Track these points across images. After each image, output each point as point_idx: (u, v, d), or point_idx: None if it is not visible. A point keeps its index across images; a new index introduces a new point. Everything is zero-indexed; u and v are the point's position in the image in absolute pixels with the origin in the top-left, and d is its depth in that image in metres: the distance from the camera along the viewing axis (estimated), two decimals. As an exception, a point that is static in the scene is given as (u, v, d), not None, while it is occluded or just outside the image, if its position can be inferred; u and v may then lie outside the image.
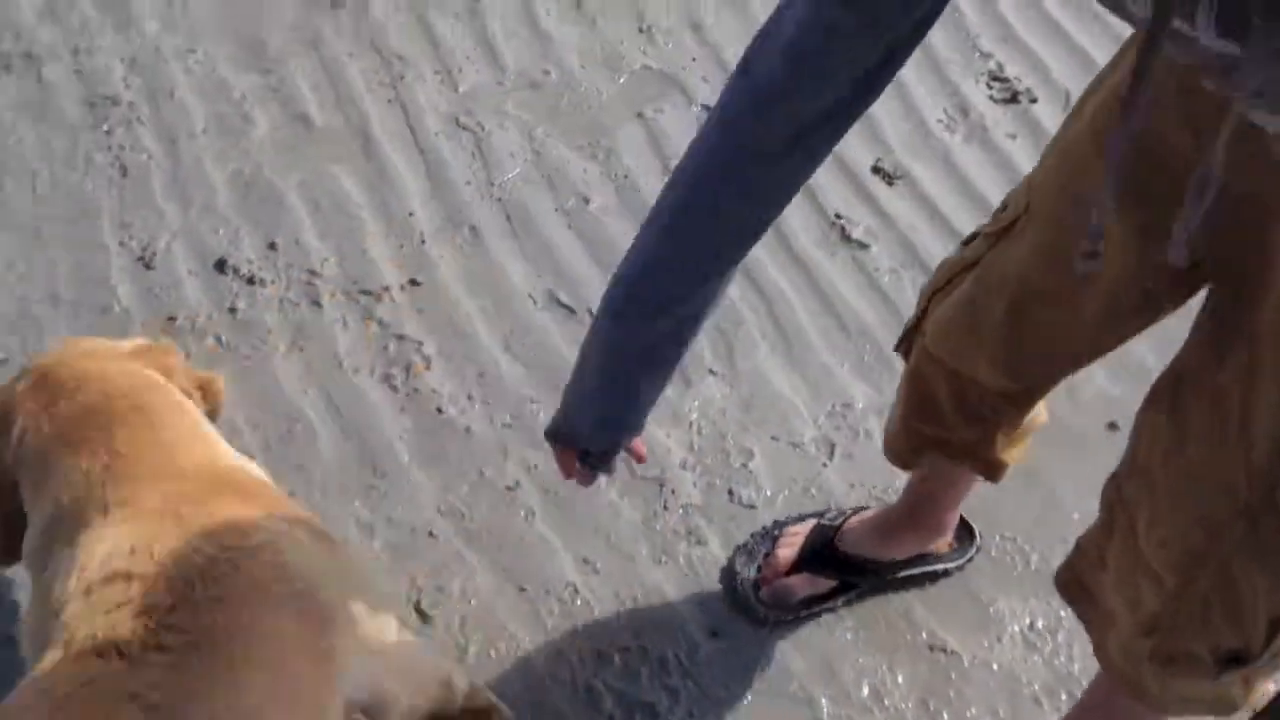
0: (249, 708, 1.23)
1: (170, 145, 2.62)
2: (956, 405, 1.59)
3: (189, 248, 2.45)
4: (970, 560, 2.07)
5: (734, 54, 2.67)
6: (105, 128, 2.64)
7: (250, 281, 2.40)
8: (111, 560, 1.31)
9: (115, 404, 1.53)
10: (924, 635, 2.02)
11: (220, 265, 2.42)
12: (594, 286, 2.40)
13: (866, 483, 2.18)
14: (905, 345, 1.68)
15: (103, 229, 2.47)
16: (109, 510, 1.39)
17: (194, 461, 1.50)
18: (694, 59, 2.84)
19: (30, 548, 1.50)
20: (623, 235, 2.46)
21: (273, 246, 2.47)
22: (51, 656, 1.25)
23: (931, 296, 1.57)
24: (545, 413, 2.18)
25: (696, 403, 2.28)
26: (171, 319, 2.33)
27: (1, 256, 2.43)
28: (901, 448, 1.77)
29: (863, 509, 2.06)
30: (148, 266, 2.41)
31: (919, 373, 1.62)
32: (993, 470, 1.71)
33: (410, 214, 2.57)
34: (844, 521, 2.02)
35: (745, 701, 1.94)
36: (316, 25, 2.93)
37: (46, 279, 2.40)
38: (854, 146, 2.66)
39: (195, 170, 2.58)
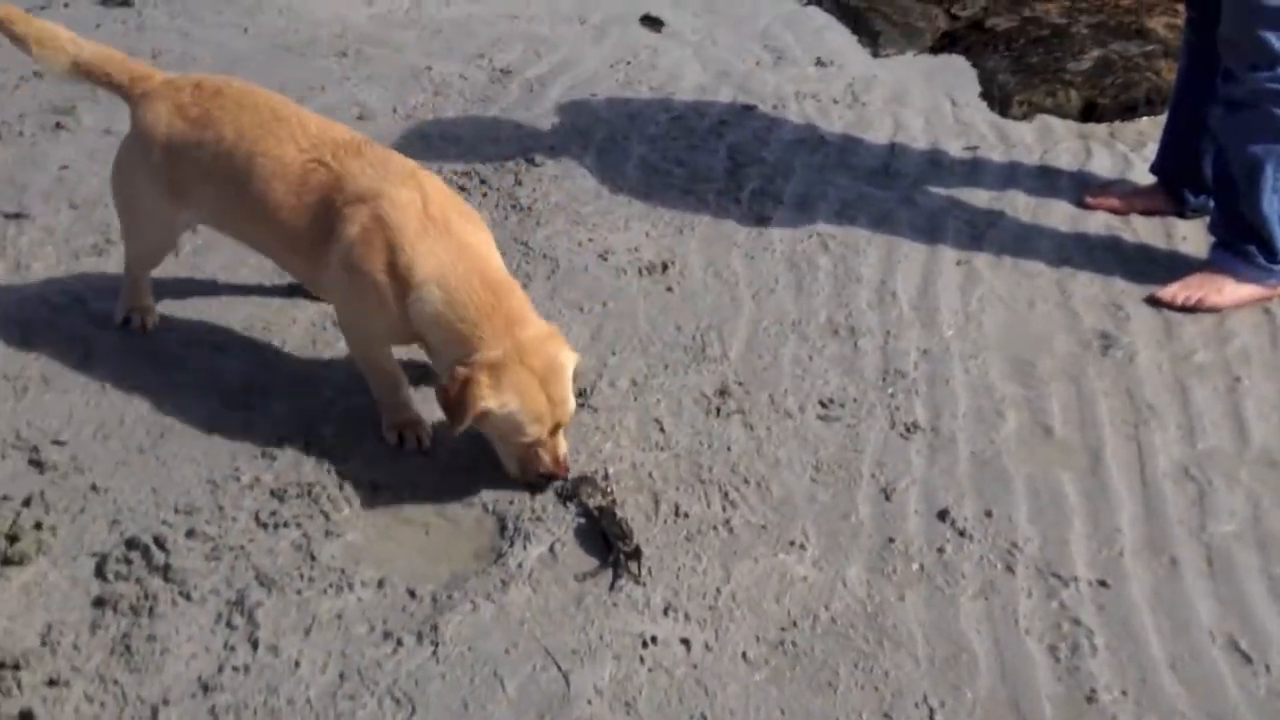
0: None
1: (935, 418, 3.18)
2: None
3: (924, 494, 2.93)
4: None
5: None
6: (891, 392, 3.28)
7: (961, 534, 2.81)
8: None
9: None
10: None
11: (942, 515, 2.87)
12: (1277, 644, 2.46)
13: None
14: None
15: (863, 467, 3.04)
16: None
17: None
18: None
19: None
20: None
21: (988, 514, 2.87)
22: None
23: None
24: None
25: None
26: (891, 539, 2.80)
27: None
28: None
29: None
30: (887, 499, 2.93)
31: None
32: None
33: (1117, 529, 2.83)
34: None
35: None
36: (1083, 365, 3.37)
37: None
38: None
39: (947, 441, 3.09)
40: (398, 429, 3.01)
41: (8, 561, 2.62)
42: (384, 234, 2.76)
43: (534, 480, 2.84)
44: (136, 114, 3.06)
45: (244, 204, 2.92)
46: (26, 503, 2.77)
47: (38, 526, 2.71)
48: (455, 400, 2.69)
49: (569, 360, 2.79)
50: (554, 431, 2.79)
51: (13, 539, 2.66)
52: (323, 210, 2.82)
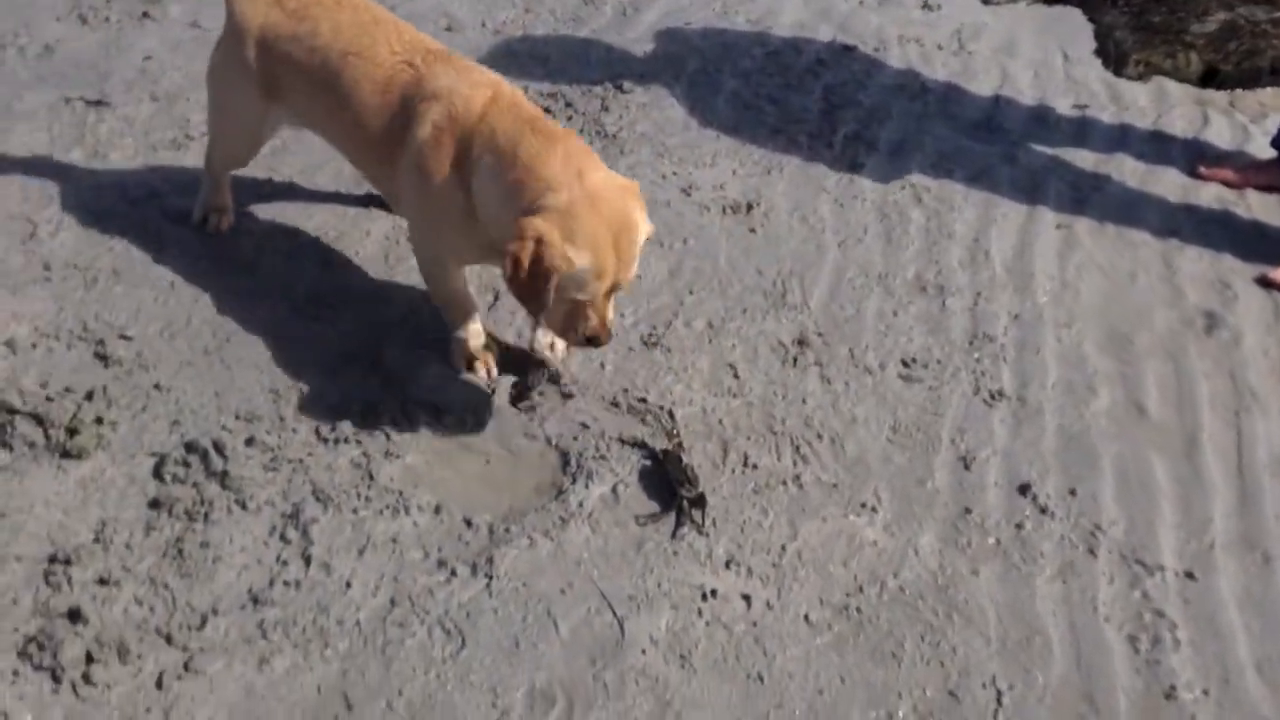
0: None
1: (1022, 387, 3.03)
2: None
3: (1005, 466, 2.80)
4: None
5: None
6: (977, 356, 3.13)
7: (1042, 511, 2.68)
8: None
9: None
10: None
11: (1023, 489, 2.74)
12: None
13: None
14: None
15: (942, 432, 2.91)
16: None
17: None
18: None
19: None
20: None
21: (1072, 493, 2.73)
22: None
23: None
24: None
25: None
26: (968, 510, 2.68)
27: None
28: None
29: None
30: (966, 467, 2.80)
31: None
32: None
33: (1209, 520, 2.68)
34: None
35: None
36: (1183, 343, 3.20)
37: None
38: None
39: (1034, 412, 2.95)
40: (466, 358, 2.93)
41: (66, 454, 2.59)
42: (452, 130, 2.63)
43: (572, 340, 2.62)
44: (232, 3, 2.97)
45: (332, 102, 2.84)
46: (89, 396, 2.73)
47: (99, 421, 2.67)
48: (530, 274, 2.42)
49: (644, 224, 2.55)
50: (610, 293, 2.57)
51: (73, 432, 2.63)
52: (401, 109, 2.73)
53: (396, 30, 2.82)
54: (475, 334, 2.94)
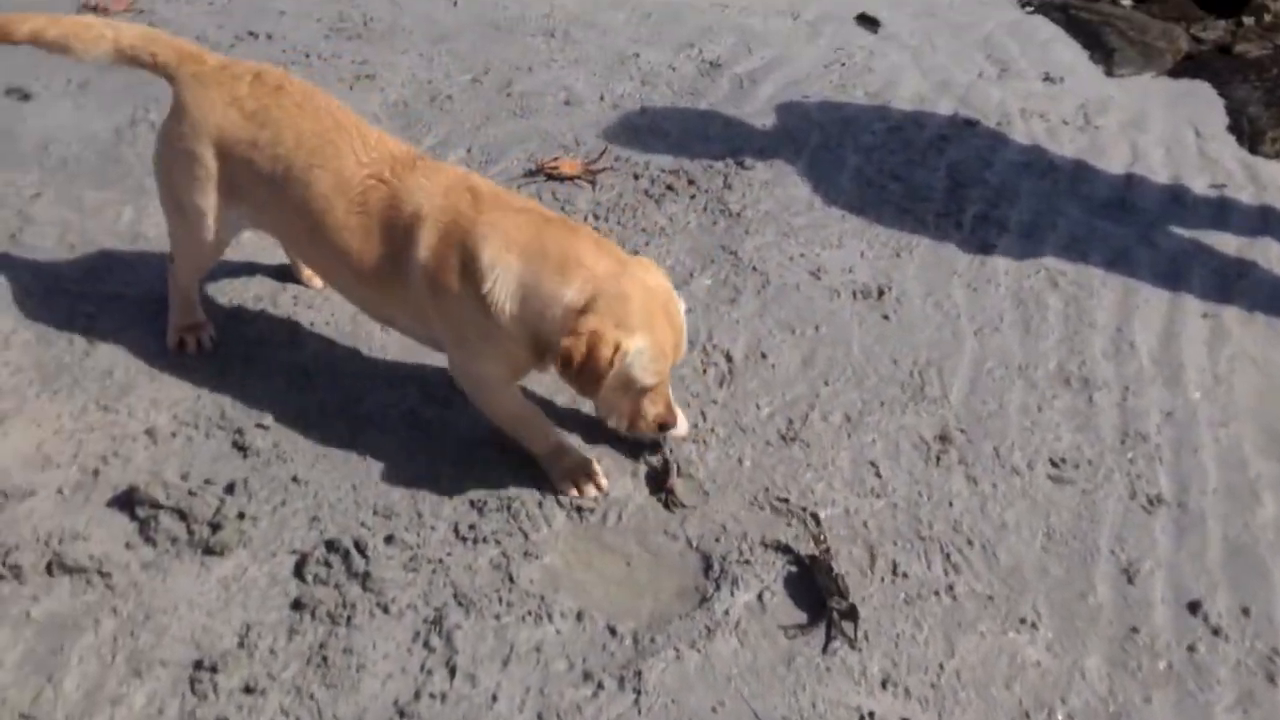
0: None
1: (1182, 492, 2.89)
2: None
3: (1171, 580, 2.66)
4: None
5: None
6: (1130, 457, 3.00)
7: (1215, 632, 2.54)
8: None
9: None
10: None
11: (1193, 607, 2.60)
12: None
13: None
14: None
15: (1100, 540, 2.78)
16: None
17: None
18: None
19: None
20: None
21: (1245, 612, 2.58)
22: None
23: None
24: None
25: None
26: (1134, 629, 2.54)
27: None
28: None
29: None
30: (1130, 581, 2.66)
31: None
32: None
33: (1396, 645, 2.51)
34: None
35: None
36: (1350, 445, 3.03)
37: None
38: None
39: (1197, 520, 2.81)
40: (569, 478, 2.77)
41: (209, 551, 2.56)
42: (450, 242, 2.54)
43: (641, 435, 2.63)
44: (185, 97, 2.79)
45: (303, 217, 2.71)
46: (230, 489, 2.71)
47: (240, 516, 2.65)
48: (586, 358, 2.40)
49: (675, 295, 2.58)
50: (667, 374, 2.57)
51: (216, 527, 2.60)
52: (385, 232, 2.62)
53: (361, 136, 2.71)
54: (562, 447, 2.80)
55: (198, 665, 2.34)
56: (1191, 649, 2.50)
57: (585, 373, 2.43)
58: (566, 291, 2.47)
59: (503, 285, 2.50)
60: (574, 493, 2.76)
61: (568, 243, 2.51)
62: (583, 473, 2.78)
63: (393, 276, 2.65)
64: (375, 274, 2.68)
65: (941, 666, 2.44)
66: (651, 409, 2.60)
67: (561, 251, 2.49)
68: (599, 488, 2.78)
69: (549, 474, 2.78)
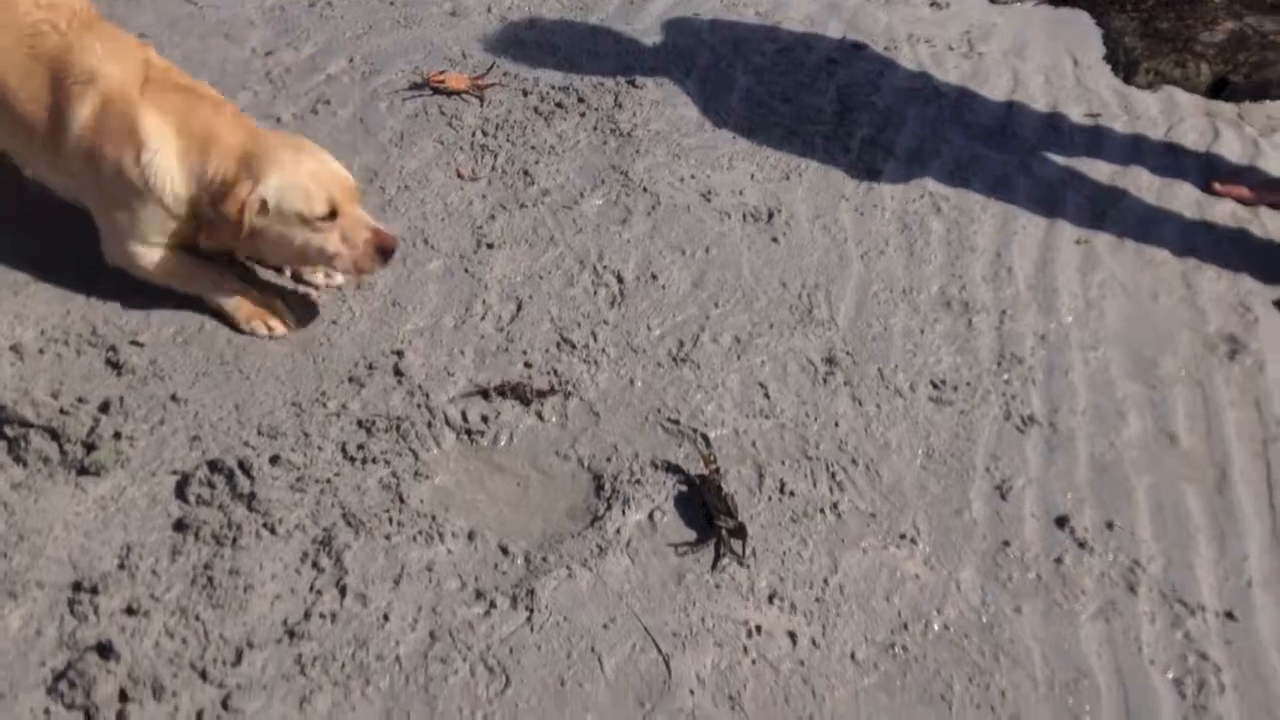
0: None
1: (1053, 413, 3.00)
2: None
3: (1041, 497, 2.77)
4: None
5: None
6: (1006, 378, 3.10)
7: (1081, 545, 2.66)
8: None
9: None
10: None
11: (1060, 521, 2.72)
12: None
13: None
14: None
15: (976, 459, 2.88)
16: None
17: None
18: None
19: None
20: None
21: (1109, 526, 2.72)
22: None
23: None
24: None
25: None
26: (1006, 543, 2.65)
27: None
28: None
29: None
30: (1003, 497, 2.77)
31: None
32: None
33: (1245, 557, 2.67)
34: None
35: None
36: (1208, 369, 3.19)
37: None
38: None
39: (1066, 439, 2.93)
40: (256, 318, 2.86)
41: (84, 471, 2.48)
42: (113, 111, 2.61)
43: (367, 264, 2.75)
44: None
45: None
46: (104, 408, 2.62)
47: (116, 436, 2.56)
48: (228, 217, 2.62)
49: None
50: (348, 205, 2.71)
51: (90, 447, 2.51)
52: (51, 83, 2.63)
53: None
54: (234, 292, 2.87)
55: (76, 587, 2.27)
56: (1059, 561, 2.62)
57: (234, 229, 2.63)
58: (209, 164, 2.63)
59: (162, 159, 2.62)
60: (261, 330, 2.85)
61: (213, 121, 2.65)
62: (267, 309, 2.87)
63: (52, 132, 2.65)
64: (29, 120, 2.66)
65: (825, 581, 2.51)
66: (359, 236, 2.71)
67: (206, 128, 2.63)
68: (285, 324, 2.88)
69: (234, 318, 2.86)
